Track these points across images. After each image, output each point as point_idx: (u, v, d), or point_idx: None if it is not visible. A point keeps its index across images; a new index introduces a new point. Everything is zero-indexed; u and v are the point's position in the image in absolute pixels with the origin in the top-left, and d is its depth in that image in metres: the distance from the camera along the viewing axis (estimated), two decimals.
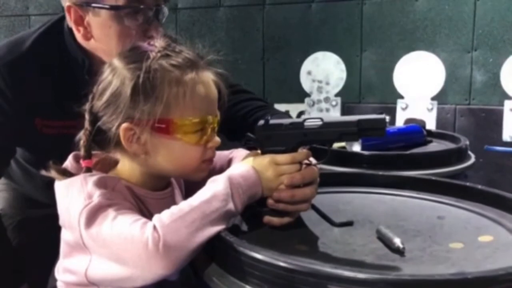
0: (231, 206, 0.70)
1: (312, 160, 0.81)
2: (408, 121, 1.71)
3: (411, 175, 1.05)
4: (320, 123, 0.76)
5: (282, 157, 0.76)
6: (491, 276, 0.54)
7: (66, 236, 0.77)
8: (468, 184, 0.93)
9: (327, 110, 2.30)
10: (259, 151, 0.80)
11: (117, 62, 0.78)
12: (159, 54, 0.76)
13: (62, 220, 0.76)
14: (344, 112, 2.50)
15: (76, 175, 0.78)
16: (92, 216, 0.68)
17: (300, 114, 2.48)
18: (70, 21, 1.05)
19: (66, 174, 0.79)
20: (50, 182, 0.89)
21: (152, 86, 0.74)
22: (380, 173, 1.05)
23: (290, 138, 0.77)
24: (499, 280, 0.53)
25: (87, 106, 0.79)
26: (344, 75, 2.27)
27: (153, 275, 0.64)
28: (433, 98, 2.16)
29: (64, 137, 1.10)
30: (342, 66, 2.27)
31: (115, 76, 0.77)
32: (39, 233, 1.38)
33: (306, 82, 2.32)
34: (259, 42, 2.68)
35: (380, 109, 2.48)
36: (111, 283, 0.70)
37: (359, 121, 0.73)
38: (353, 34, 2.48)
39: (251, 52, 2.69)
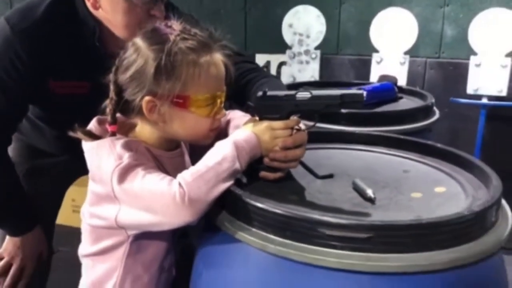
0: (237, 165, 0.85)
1: (302, 126, 0.96)
2: (381, 77, 1.85)
3: (383, 133, 1.21)
4: (309, 96, 0.90)
5: (277, 123, 0.91)
6: (441, 221, 0.72)
7: (95, 188, 0.91)
8: (430, 142, 1.10)
9: (307, 62, 2.42)
10: (257, 118, 0.95)
11: (140, 42, 0.89)
12: (178, 38, 0.87)
13: (92, 176, 0.91)
14: (322, 63, 2.64)
15: (101, 137, 0.92)
16: (124, 174, 0.83)
17: (281, 65, 2.60)
18: None
19: (92, 136, 0.92)
20: (58, 136, 0.97)
21: (173, 67, 0.86)
22: (357, 131, 1.22)
23: (284, 107, 0.92)
24: (446, 223, 0.71)
25: (111, 78, 0.91)
26: (324, 28, 2.38)
27: (179, 222, 0.80)
28: (406, 53, 2.30)
29: (74, 96, 1.22)
30: (322, 20, 2.37)
31: (139, 56, 0.88)
32: (47, 179, 1.50)
33: (287, 35, 2.42)
34: None
35: (356, 61, 2.63)
36: (139, 227, 0.87)
37: (342, 95, 0.88)
38: None
39: (233, 2, 2.75)
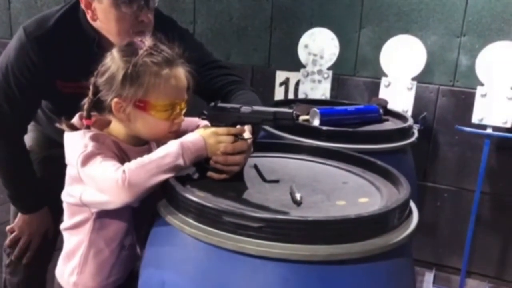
0: (180, 161, 1.00)
1: (246, 135, 1.10)
2: (373, 100, 1.96)
3: (340, 148, 1.34)
4: (250, 110, 1.05)
5: (221, 130, 1.06)
6: (323, 220, 0.84)
7: (69, 171, 1.10)
8: (371, 159, 1.21)
9: (319, 81, 2.55)
10: (209, 124, 1.11)
11: (115, 53, 1.08)
12: (145, 53, 1.05)
13: (67, 159, 1.09)
14: (338, 83, 2.75)
15: (80, 129, 1.10)
16: (86, 159, 1.01)
17: (298, 82, 2.74)
18: (82, 5, 1.34)
19: (73, 127, 1.11)
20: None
21: (137, 76, 1.04)
22: (314, 145, 1.35)
23: (229, 118, 1.07)
24: (327, 222, 0.84)
25: (92, 80, 1.09)
26: (337, 50, 2.50)
27: (120, 202, 0.97)
28: (413, 79, 2.38)
29: (78, 95, 1.42)
30: (336, 43, 2.49)
31: (113, 63, 1.06)
32: (58, 168, 1.72)
33: (302, 54, 2.56)
34: (268, 11, 2.91)
35: (370, 83, 2.72)
36: (95, 205, 1.05)
37: (275, 112, 1.03)
38: (354, 12, 2.70)
39: (260, 20, 2.93)
